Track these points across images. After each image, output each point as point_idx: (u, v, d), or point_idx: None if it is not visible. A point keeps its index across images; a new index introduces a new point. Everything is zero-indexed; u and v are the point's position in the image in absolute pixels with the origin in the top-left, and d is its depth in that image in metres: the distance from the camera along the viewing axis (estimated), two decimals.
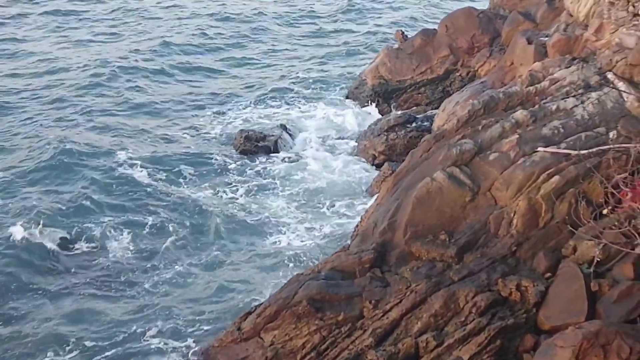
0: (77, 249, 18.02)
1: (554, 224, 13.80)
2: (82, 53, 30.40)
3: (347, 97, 26.03)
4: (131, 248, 18.09)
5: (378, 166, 21.18)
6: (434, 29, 25.72)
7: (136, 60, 29.24)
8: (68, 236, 18.31)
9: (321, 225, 18.97)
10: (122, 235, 18.48)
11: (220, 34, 33.05)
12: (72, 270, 17.35)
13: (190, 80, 28.37)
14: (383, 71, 25.24)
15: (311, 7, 36.38)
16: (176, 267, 17.41)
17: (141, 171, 21.28)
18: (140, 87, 27.33)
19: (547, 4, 21.74)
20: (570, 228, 13.52)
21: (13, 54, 30.24)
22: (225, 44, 32.02)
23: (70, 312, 15.92)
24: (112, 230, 18.62)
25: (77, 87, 26.95)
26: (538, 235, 13.74)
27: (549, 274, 13.26)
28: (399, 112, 23.60)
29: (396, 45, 26.30)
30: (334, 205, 19.84)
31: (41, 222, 18.46)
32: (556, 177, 13.98)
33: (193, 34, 32.63)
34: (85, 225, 18.78)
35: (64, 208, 19.43)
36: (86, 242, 18.16)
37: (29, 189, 20.42)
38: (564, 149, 14.37)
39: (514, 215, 13.92)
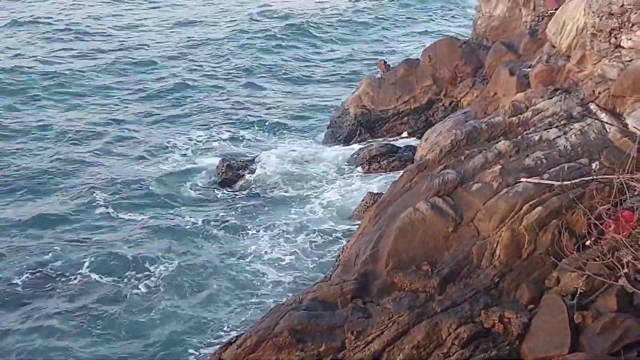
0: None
1: (537, 255, 13.70)
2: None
3: (329, 127, 25.96)
4: (103, 276, 17.89)
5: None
6: (417, 59, 25.80)
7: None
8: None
9: (302, 254, 18.84)
10: (92, 264, 18.34)
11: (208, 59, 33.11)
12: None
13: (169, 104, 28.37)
14: (366, 100, 25.24)
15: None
16: (153, 296, 17.19)
17: (114, 197, 21.18)
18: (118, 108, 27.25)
19: (529, 35, 21.87)
20: (554, 259, 13.42)
21: None
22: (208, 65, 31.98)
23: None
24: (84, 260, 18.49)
25: None
26: (521, 266, 13.63)
27: (532, 306, 13.11)
28: (381, 142, 23.57)
29: (379, 75, 26.34)
30: (314, 234, 19.70)
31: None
32: (539, 208, 13.92)
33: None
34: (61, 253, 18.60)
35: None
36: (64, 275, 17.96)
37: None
38: (547, 179, 14.33)
39: (496, 246, 13.83)
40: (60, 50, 33.43)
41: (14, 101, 28.23)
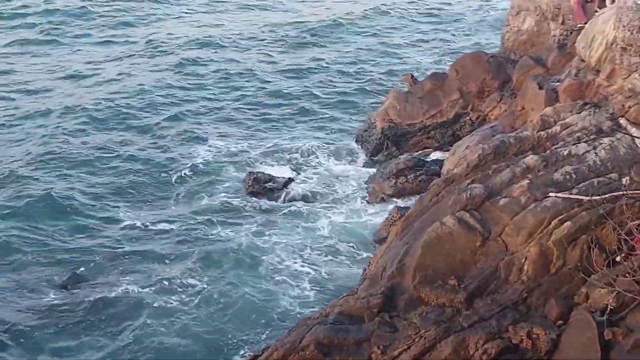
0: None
1: (565, 270, 13.58)
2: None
3: (355, 141, 25.95)
4: (129, 287, 18.01)
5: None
6: (444, 73, 25.74)
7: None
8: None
9: (328, 268, 18.81)
10: (117, 276, 18.48)
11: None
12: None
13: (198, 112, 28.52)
14: (392, 114, 25.18)
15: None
16: (178, 308, 17.24)
17: (140, 208, 21.33)
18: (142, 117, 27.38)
19: (558, 49, 21.73)
20: (583, 275, 13.31)
21: None
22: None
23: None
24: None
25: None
26: (550, 281, 13.52)
27: (560, 322, 13.00)
28: (408, 156, 23.51)
29: (405, 89, 26.29)
30: (341, 248, 19.67)
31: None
32: (568, 223, 13.80)
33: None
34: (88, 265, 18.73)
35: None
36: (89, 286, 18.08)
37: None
38: (576, 194, 14.20)
39: (525, 261, 13.72)
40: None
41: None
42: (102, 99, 28.93)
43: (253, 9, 40.23)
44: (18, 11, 39.79)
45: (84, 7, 40.42)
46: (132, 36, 36.54)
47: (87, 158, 24.48)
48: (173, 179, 23.46)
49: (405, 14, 39.23)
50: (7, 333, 16.33)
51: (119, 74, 31.51)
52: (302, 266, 18.89)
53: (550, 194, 14.30)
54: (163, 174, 23.67)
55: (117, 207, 21.69)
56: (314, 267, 18.86)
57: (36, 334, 16.43)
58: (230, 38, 35.85)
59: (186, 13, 39.97)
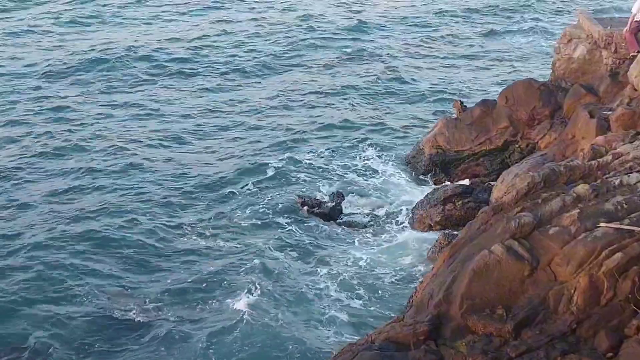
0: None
1: (616, 302, 13.37)
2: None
3: (405, 165, 25.93)
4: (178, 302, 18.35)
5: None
6: (494, 100, 25.62)
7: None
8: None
9: (372, 294, 18.77)
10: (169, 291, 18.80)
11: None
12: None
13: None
14: (441, 141, 25.14)
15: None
16: (227, 329, 17.40)
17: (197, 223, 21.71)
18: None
19: (610, 77, 21.57)
20: (634, 307, 13.10)
21: None
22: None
23: None
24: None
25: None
26: (600, 313, 13.31)
27: (610, 354, 12.79)
28: (457, 183, 23.42)
29: (454, 115, 26.24)
30: (386, 275, 19.62)
31: None
32: (619, 254, 13.60)
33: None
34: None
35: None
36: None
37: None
38: (628, 225, 14.01)
39: (574, 291, 13.54)
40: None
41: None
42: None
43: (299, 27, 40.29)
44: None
45: None
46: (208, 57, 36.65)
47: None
48: (222, 197, 23.66)
49: (457, 35, 39.12)
50: None
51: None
52: (346, 291, 18.88)
53: (601, 224, 14.14)
54: (215, 192, 23.90)
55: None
56: (358, 292, 18.84)
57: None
58: (273, 54, 36.02)
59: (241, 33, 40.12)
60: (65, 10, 40.56)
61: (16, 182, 24.08)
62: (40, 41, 36.76)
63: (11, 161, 25.32)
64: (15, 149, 26.21)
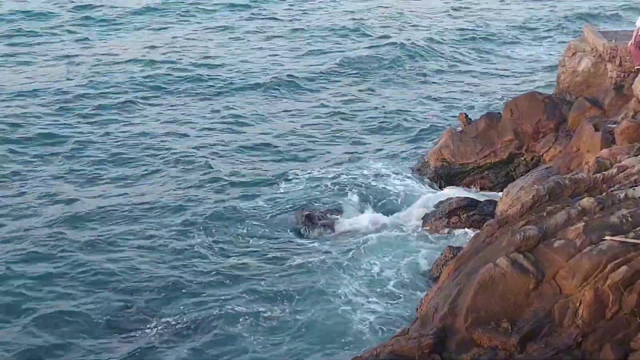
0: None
1: (622, 315, 13.35)
2: None
3: (412, 172, 25.89)
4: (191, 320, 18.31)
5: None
6: (499, 113, 25.64)
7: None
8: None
9: (378, 306, 18.75)
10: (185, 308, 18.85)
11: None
12: None
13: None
14: (446, 154, 25.17)
15: None
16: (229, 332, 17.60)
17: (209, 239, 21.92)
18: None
19: (615, 90, 21.61)
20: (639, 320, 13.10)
21: None
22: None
23: None
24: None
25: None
26: (605, 326, 13.29)
27: None
28: (462, 196, 23.42)
29: (459, 128, 26.27)
30: (392, 287, 19.59)
31: None
32: (624, 268, 13.60)
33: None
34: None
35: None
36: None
37: None
38: (633, 238, 14.02)
39: (579, 305, 13.54)
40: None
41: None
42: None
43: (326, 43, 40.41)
44: None
45: None
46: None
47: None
48: (240, 207, 23.77)
49: (460, 53, 39.20)
50: None
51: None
52: (353, 303, 18.83)
53: (607, 237, 14.14)
54: (226, 207, 23.92)
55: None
56: (364, 305, 18.80)
57: None
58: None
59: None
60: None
61: (18, 184, 24.68)
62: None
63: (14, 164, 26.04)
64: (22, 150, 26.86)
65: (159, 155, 27.24)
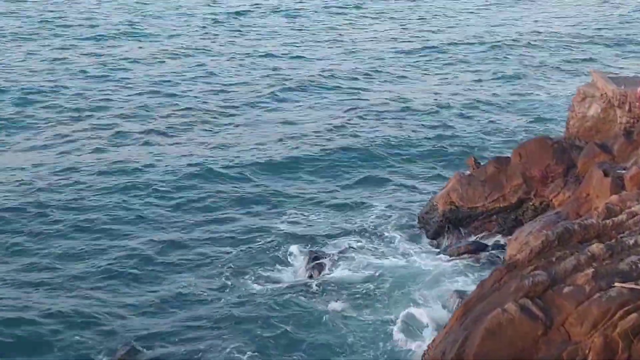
0: None
1: None
2: None
3: (417, 222, 25.79)
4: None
5: None
6: (507, 157, 25.56)
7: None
8: None
9: (383, 351, 18.60)
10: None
11: None
12: None
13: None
14: (454, 197, 25.05)
15: None
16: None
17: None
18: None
19: (624, 136, 21.57)
20: None
21: None
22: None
23: None
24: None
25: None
26: None
27: None
28: (470, 240, 23.30)
29: (468, 172, 26.20)
30: (398, 330, 19.42)
31: None
32: (634, 315, 13.45)
33: None
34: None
35: None
36: None
37: None
38: None
39: (589, 352, 13.38)
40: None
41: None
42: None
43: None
44: None
45: None
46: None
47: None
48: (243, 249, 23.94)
49: (471, 101, 39.38)
50: None
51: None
52: (359, 348, 18.70)
53: (616, 284, 14.01)
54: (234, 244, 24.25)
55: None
56: (369, 350, 18.67)
57: None
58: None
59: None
60: None
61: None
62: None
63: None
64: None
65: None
